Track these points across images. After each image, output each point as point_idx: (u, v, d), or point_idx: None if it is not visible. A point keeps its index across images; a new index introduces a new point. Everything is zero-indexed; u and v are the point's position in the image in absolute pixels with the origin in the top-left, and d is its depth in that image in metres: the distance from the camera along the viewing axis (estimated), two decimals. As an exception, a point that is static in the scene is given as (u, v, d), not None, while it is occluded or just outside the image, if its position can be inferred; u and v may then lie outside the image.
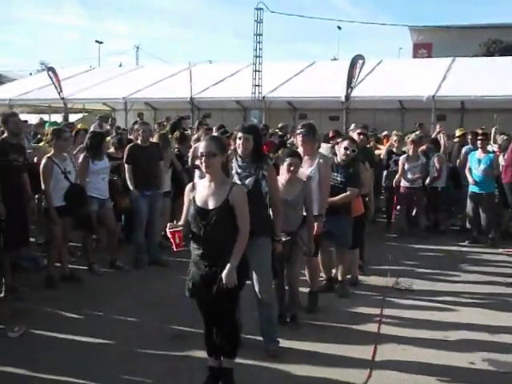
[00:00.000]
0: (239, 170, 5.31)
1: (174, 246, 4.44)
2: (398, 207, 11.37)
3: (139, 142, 8.79)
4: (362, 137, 9.30)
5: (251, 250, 4.86)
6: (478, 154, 10.72)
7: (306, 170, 6.49)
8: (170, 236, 4.43)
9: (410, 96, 20.19)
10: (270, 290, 5.53)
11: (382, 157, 11.78)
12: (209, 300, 4.52)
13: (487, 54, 41.89)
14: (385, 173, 11.70)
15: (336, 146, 7.67)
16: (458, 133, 13.22)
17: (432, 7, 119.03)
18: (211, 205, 4.42)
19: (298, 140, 6.74)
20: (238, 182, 5.17)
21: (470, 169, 10.75)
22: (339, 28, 56.86)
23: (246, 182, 5.23)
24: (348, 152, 7.29)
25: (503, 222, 11.28)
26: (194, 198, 4.52)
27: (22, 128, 8.34)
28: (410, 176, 10.89)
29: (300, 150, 6.65)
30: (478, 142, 10.82)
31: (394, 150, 11.70)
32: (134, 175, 8.49)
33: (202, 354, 4.90)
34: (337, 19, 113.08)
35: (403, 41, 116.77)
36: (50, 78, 22.45)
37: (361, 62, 18.78)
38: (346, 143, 7.40)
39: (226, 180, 4.66)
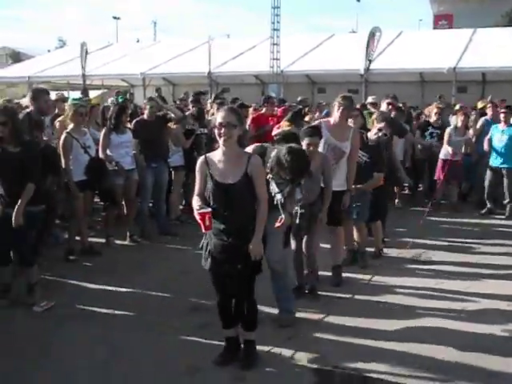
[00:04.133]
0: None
1: (203, 228, 4.25)
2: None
3: (145, 116, 8.85)
4: (390, 107, 9.21)
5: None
6: (501, 126, 10.58)
7: (339, 143, 6.52)
8: (198, 218, 4.23)
9: (430, 68, 19.96)
10: (282, 259, 5.50)
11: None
12: (233, 273, 4.48)
13: (509, 24, 41.14)
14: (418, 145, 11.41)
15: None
16: (479, 105, 13.03)
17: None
18: (232, 179, 4.36)
19: (337, 111, 6.64)
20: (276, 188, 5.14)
21: (490, 139, 10.59)
22: (358, 0, 56.29)
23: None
24: (380, 134, 7.28)
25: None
26: (210, 173, 4.42)
27: (51, 109, 8.43)
28: (454, 149, 10.53)
29: (334, 120, 6.65)
30: (501, 115, 10.65)
31: (431, 121, 11.37)
32: (141, 148, 8.57)
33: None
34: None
35: (423, 12, 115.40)
36: (86, 52, 22.46)
37: (378, 34, 18.63)
38: (381, 125, 7.35)
39: (241, 152, 4.61)
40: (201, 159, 4.54)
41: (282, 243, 5.44)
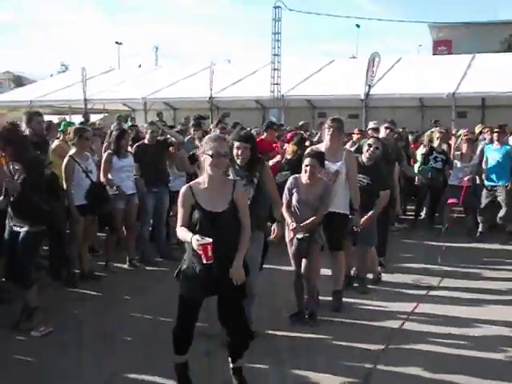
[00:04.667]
0: (237, 178, 5.30)
1: (204, 259, 4.13)
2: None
3: (146, 141, 8.89)
4: (388, 131, 9.25)
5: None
6: (494, 145, 10.68)
7: (332, 164, 6.50)
8: (200, 249, 4.10)
9: (429, 93, 20.15)
10: (256, 282, 5.51)
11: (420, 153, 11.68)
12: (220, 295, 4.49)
13: (508, 50, 41.52)
14: (421, 169, 11.31)
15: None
16: (477, 130, 13.11)
17: (452, 4, 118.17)
18: (220, 207, 4.34)
19: (327, 133, 6.67)
20: None
21: (485, 162, 10.63)
22: (358, 26, 56.87)
23: (248, 192, 5.25)
24: (372, 149, 7.26)
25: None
26: (197, 202, 4.35)
27: (50, 131, 8.45)
28: (460, 175, 10.58)
29: (326, 143, 6.66)
30: (494, 134, 10.77)
31: (435, 146, 11.36)
32: (142, 173, 8.57)
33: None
34: (355, 17, 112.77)
35: (423, 38, 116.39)
36: (85, 76, 22.69)
37: (377, 59, 18.80)
38: (370, 141, 7.38)
39: (226, 179, 4.63)
40: (185, 188, 4.42)
41: (259, 267, 5.52)
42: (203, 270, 4.30)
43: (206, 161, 4.33)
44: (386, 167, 8.02)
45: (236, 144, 5.31)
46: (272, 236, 5.75)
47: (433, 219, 11.56)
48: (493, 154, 10.59)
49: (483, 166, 10.66)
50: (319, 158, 6.04)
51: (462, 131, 12.22)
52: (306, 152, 6.38)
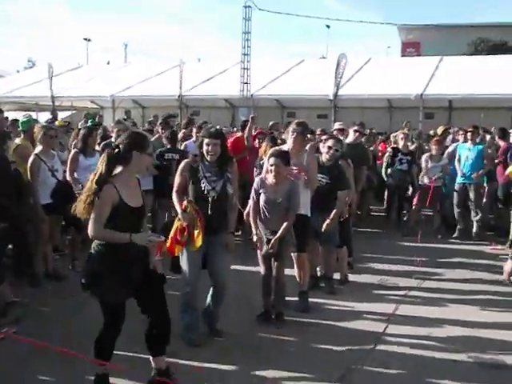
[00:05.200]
0: (207, 174, 5.46)
1: (158, 255, 4.33)
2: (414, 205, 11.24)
3: (113, 139, 8.84)
4: (357, 134, 9.29)
5: (217, 244, 5.48)
6: (468, 144, 10.87)
7: (294, 166, 6.50)
8: (153, 246, 4.30)
9: (398, 94, 20.31)
10: (227, 283, 5.71)
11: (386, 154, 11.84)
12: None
13: (475, 52, 42.13)
14: (389, 171, 11.42)
15: (320, 145, 7.66)
16: (439, 131, 13.27)
17: (420, 6, 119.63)
18: (138, 203, 4.42)
19: (290, 137, 6.71)
20: (207, 185, 5.42)
21: (459, 160, 10.82)
22: (328, 27, 57.25)
23: (216, 187, 5.43)
24: (332, 151, 7.30)
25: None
26: (121, 199, 4.26)
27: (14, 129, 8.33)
28: (431, 175, 10.79)
29: (289, 145, 6.68)
30: (468, 133, 10.92)
31: (400, 147, 11.41)
32: None
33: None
34: (324, 17, 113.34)
35: (392, 39, 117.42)
36: (52, 73, 22.34)
37: (344, 61, 18.93)
38: (330, 142, 7.40)
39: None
40: (109, 187, 4.21)
41: (229, 268, 5.73)
42: (123, 272, 4.27)
43: (139, 158, 4.32)
44: (357, 169, 8.13)
45: (206, 141, 5.43)
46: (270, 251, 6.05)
47: (400, 219, 11.68)
48: (466, 153, 10.77)
49: (456, 164, 10.82)
50: (284, 157, 6.04)
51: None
52: (271, 151, 6.40)
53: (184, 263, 5.56)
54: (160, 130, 10.89)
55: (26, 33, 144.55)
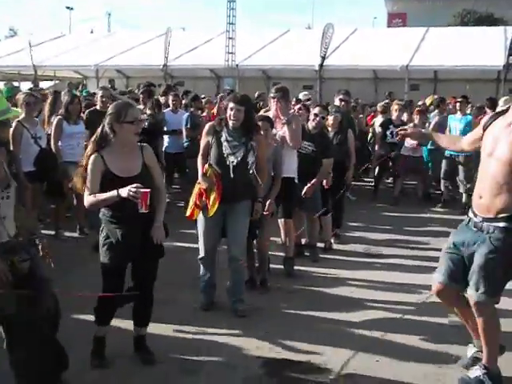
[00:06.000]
0: (229, 138, 5.36)
1: (143, 208, 4.11)
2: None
3: (98, 107, 8.70)
4: (343, 103, 9.27)
5: (233, 211, 5.37)
6: (457, 115, 10.87)
7: (279, 130, 6.51)
8: (136, 198, 4.06)
9: (383, 65, 20.31)
10: (245, 251, 5.65)
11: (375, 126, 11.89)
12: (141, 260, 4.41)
13: (461, 24, 42.06)
14: (379, 142, 11.49)
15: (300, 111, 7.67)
16: (428, 101, 13.26)
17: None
18: (134, 172, 4.34)
19: (272, 103, 6.71)
20: (229, 150, 5.31)
21: (449, 131, 10.77)
22: (314, -4, 56.64)
23: (237, 153, 5.32)
24: (318, 119, 7.29)
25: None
26: (109, 169, 4.30)
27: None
28: (411, 146, 10.74)
29: (273, 112, 6.65)
30: (457, 104, 10.92)
31: (393, 118, 11.35)
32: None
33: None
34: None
35: (378, 10, 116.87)
36: (29, 43, 21.90)
37: (330, 31, 18.82)
38: (316, 110, 7.40)
39: (135, 144, 4.56)
40: (94, 157, 4.32)
41: (246, 235, 5.57)
42: (124, 235, 4.27)
43: (123, 128, 4.28)
44: (340, 136, 8.12)
45: (230, 105, 5.33)
46: (266, 212, 5.93)
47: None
48: (456, 124, 10.76)
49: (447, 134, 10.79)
50: (269, 121, 6.11)
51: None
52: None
53: (199, 228, 5.55)
54: (141, 100, 10.75)
55: (8, 2, 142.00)
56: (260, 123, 5.94)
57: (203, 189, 5.38)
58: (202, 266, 5.68)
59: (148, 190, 4.12)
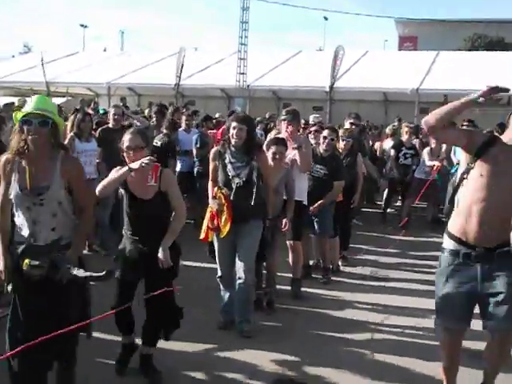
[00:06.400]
0: (233, 160, 5.46)
1: (153, 180, 4.39)
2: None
3: (110, 125, 8.79)
4: (353, 127, 9.29)
5: (243, 232, 5.42)
6: None
7: (290, 154, 6.54)
8: (148, 168, 4.37)
9: (394, 88, 20.36)
10: (253, 270, 5.66)
11: (385, 148, 11.94)
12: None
13: (472, 48, 42.18)
14: (388, 164, 11.51)
15: (310, 135, 7.72)
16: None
17: (419, 0, 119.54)
18: (149, 195, 4.53)
19: (283, 126, 6.78)
20: (233, 172, 5.42)
21: (454, 153, 10.62)
22: (325, 18, 57.04)
23: (241, 173, 5.42)
24: (327, 141, 7.33)
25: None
26: (128, 189, 4.61)
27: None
28: (427, 169, 10.73)
29: (283, 135, 6.70)
30: (464, 127, 10.85)
31: (404, 141, 11.39)
32: (105, 158, 8.39)
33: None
34: (321, 9, 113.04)
35: (389, 33, 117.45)
36: (42, 59, 22.08)
37: (341, 53, 18.92)
38: (325, 132, 7.45)
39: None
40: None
41: (255, 255, 5.59)
42: (134, 251, 4.48)
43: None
44: (350, 159, 8.15)
45: (233, 124, 5.45)
46: (284, 229, 6.12)
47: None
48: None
49: (452, 157, 10.69)
50: (284, 144, 6.18)
51: None
52: (269, 140, 6.53)
53: (216, 249, 5.65)
54: (154, 119, 10.85)
55: (23, 18, 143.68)
56: (275, 146, 6.03)
57: (214, 211, 5.45)
58: (220, 284, 5.77)
59: (158, 164, 4.40)
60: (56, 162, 3.75)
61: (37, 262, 3.68)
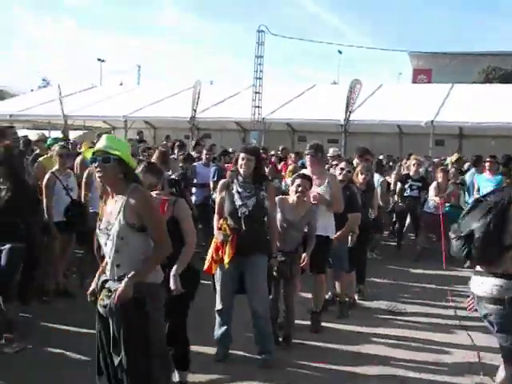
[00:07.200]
0: (240, 190, 5.51)
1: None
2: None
3: None
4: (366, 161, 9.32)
5: (250, 264, 5.41)
6: (487, 175, 10.71)
7: (316, 188, 6.57)
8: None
9: (408, 121, 20.39)
10: (266, 303, 5.66)
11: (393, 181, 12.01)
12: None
13: (486, 81, 42.25)
14: (395, 197, 11.64)
15: (331, 169, 7.76)
16: (454, 158, 13.27)
17: (433, 33, 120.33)
18: None
19: (307, 160, 6.83)
20: (239, 201, 5.45)
21: (478, 190, 10.62)
22: (340, 52, 57.36)
23: (248, 202, 5.46)
24: (344, 172, 7.37)
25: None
26: None
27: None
28: (435, 203, 10.80)
29: (308, 170, 6.76)
30: (486, 164, 10.81)
31: (411, 174, 11.53)
32: None
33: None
34: (336, 43, 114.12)
35: (403, 66, 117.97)
36: (60, 93, 22.46)
37: (358, 86, 19.01)
38: (342, 164, 7.50)
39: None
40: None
41: (266, 289, 5.62)
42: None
43: None
44: (368, 194, 8.18)
45: (241, 155, 5.54)
46: (302, 264, 6.09)
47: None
48: (485, 184, 10.43)
49: (475, 195, 10.71)
50: (309, 180, 6.20)
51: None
52: (295, 175, 6.57)
53: (217, 281, 5.63)
54: (176, 152, 11.09)
55: (42, 53, 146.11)
56: (300, 179, 6.09)
57: (219, 243, 5.48)
58: (218, 317, 5.72)
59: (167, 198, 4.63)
60: (124, 197, 3.83)
61: (106, 302, 3.86)
